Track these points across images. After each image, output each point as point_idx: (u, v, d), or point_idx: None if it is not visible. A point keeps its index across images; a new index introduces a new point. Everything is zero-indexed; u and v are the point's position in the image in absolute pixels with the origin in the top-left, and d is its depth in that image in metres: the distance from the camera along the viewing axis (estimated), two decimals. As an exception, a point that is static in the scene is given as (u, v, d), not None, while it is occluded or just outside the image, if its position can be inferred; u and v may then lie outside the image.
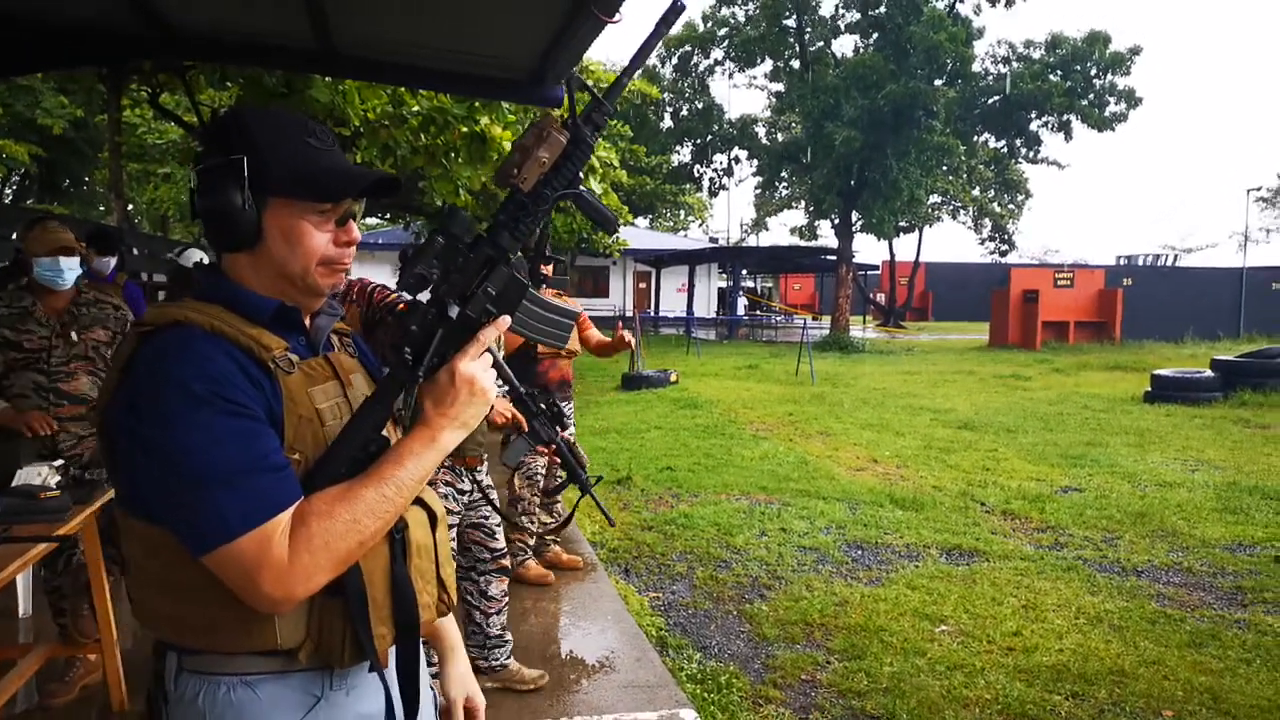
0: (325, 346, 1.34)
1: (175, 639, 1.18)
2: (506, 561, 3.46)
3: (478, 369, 1.21)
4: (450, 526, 3.04)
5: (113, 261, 5.21)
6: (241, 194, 1.18)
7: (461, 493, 3.26)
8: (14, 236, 3.56)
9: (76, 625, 3.46)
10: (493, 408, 2.99)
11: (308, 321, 1.32)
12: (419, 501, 1.31)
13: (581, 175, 1.25)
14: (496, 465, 2.83)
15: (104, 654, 3.22)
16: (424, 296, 1.23)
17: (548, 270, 4.83)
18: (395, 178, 1.30)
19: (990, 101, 27.52)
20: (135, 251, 9.26)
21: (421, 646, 1.40)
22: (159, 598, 1.17)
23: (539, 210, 1.22)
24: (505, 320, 1.25)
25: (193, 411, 1.07)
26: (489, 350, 1.25)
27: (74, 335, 3.45)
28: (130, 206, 19.87)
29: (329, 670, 1.21)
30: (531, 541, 4.77)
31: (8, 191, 23.19)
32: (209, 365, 1.11)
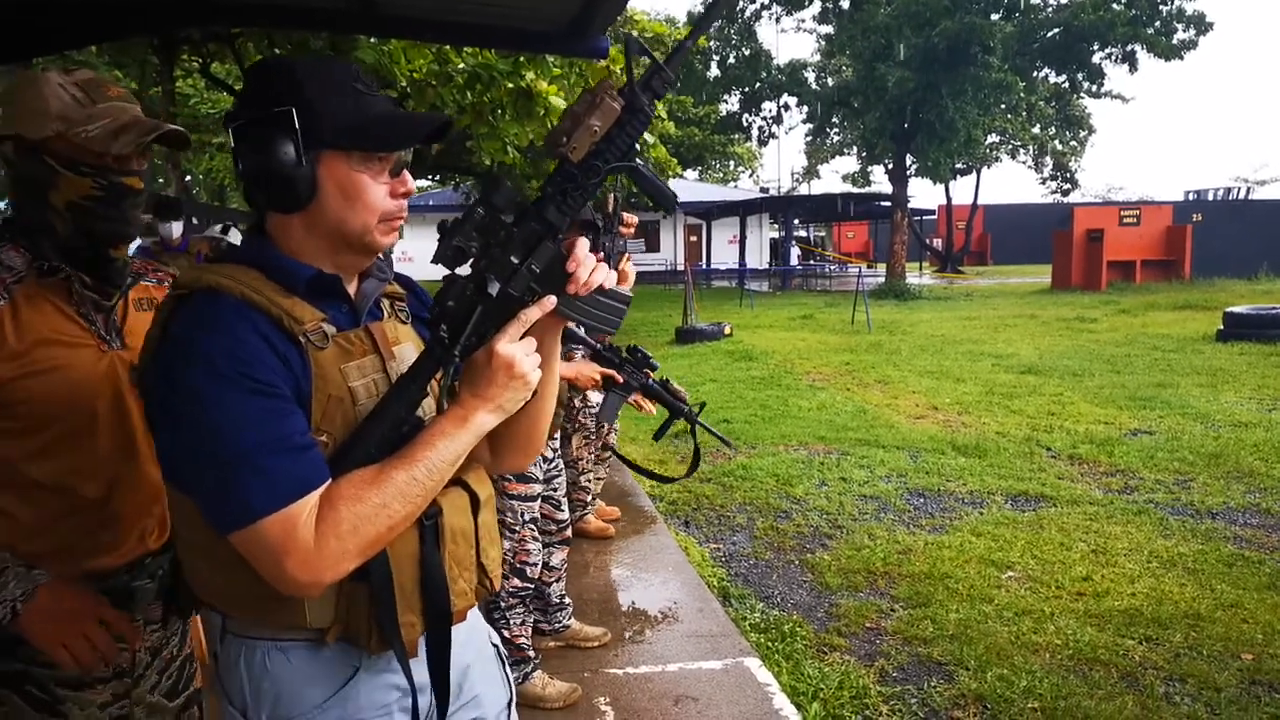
0: (373, 314, 1.27)
1: (218, 604, 1.19)
2: (569, 533, 3.50)
3: (518, 351, 1.14)
4: (534, 498, 3.06)
5: (178, 226, 5.32)
6: (295, 149, 1.11)
7: (547, 460, 3.28)
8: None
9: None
10: (578, 375, 2.97)
11: (353, 287, 1.25)
12: (462, 483, 1.24)
13: (637, 146, 1.16)
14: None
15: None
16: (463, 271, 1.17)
17: (629, 228, 4.29)
18: (449, 119, 1.25)
19: (1050, 34, 26.46)
20: (195, 221, 9.44)
21: (473, 612, 1.38)
22: (200, 563, 1.17)
23: (589, 183, 1.13)
24: (550, 301, 1.16)
25: (220, 391, 1.04)
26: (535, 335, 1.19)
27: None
28: (188, 177, 20.24)
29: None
30: (589, 498, 4.79)
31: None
32: (237, 344, 1.07)
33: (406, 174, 1.22)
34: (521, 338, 1.16)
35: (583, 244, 1.17)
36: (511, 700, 1.44)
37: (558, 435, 3.40)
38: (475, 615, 1.41)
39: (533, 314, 1.16)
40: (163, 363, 1.09)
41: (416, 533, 1.16)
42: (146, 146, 1.49)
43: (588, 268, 1.16)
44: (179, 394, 1.06)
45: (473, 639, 1.38)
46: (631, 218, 4.09)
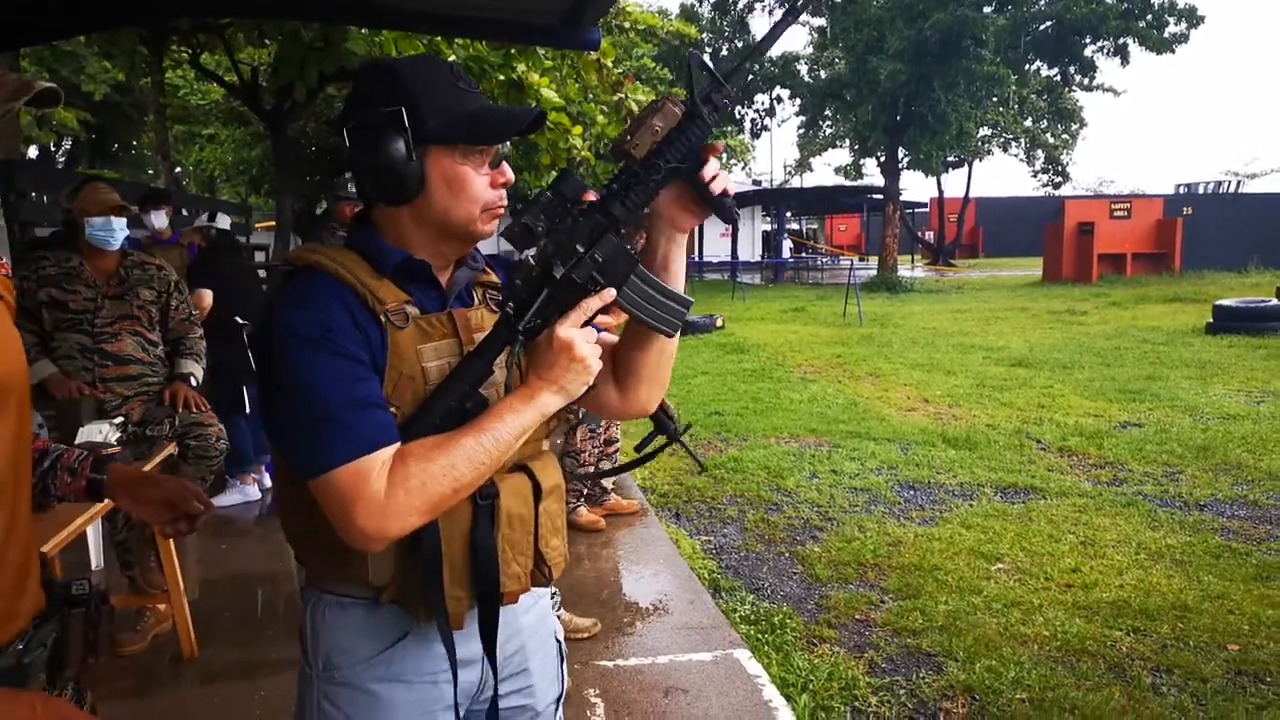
0: (463, 300, 1.33)
1: (301, 554, 1.31)
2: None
3: (576, 336, 1.19)
4: None
5: (165, 215, 5.29)
6: (406, 146, 1.18)
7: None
8: (61, 200, 3.60)
9: (145, 577, 3.57)
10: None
11: (446, 275, 1.31)
12: (526, 470, 1.30)
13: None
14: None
15: (172, 604, 3.33)
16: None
17: None
18: (543, 111, 1.31)
19: (1042, 27, 26.47)
20: (184, 213, 9.38)
21: (541, 595, 1.46)
22: (289, 516, 1.29)
23: (651, 180, 1.18)
24: (610, 293, 1.21)
25: (305, 354, 1.14)
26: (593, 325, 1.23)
27: (124, 296, 3.50)
28: (178, 169, 20.15)
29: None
30: (584, 491, 4.79)
31: (60, 158, 23.63)
32: (322, 312, 1.17)
33: (505, 165, 1.29)
34: (584, 325, 1.20)
35: (714, 163, 1.21)
36: (561, 697, 1.48)
37: (562, 426, 3.40)
38: (546, 606, 1.48)
39: (593, 303, 1.20)
40: (264, 329, 1.19)
41: (470, 511, 1.22)
42: (15, 112, 1.45)
43: (715, 166, 1.22)
44: (274, 357, 1.16)
45: (539, 628, 1.44)
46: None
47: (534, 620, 1.42)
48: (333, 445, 1.11)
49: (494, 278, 1.40)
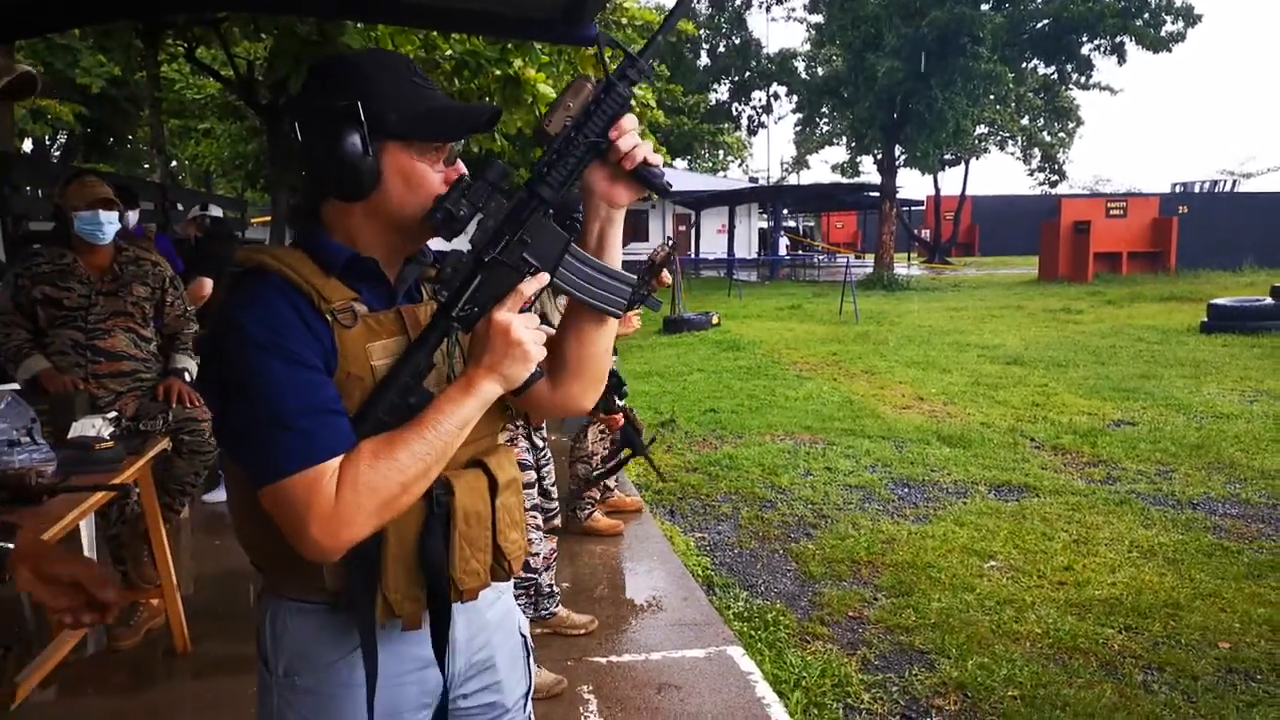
0: (412, 297, 1.32)
1: (257, 561, 1.29)
2: (558, 521, 3.50)
3: (514, 320, 1.17)
4: (531, 486, 3.06)
5: (135, 216, 5.28)
6: (363, 140, 1.16)
7: (536, 449, 3.29)
8: (54, 194, 3.60)
9: (138, 571, 3.56)
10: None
11: (395, 271, 1.30)
12: (482, 465, 1.29)
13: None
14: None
15: (165, 599, 3.32)
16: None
17: (660, 283, 3.96)
18: (498, 109, 1.30)
19: (1039, 25, 26.46)
20: (179, 207, 9.36)
21: (505, 590, 1.45)
22: (244, 522, 1.26)
23: (570, 158, 1.17)
24: (544, 276, 1.20)
25: (256, 358, 1.12)
26: (538, 312, 1.21)
27: (118, 293, 3.50)
28: (173, 163, 20.09)
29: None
30: (599, 495, 4.78)
31: (55, 152, 23.55)
32: (271, 314, 1.14)
33: (460, 163, 1.27)
34: (522, 311, 1.19)
35: (629, 119, 1.18)
36: (529, 692, 1.48)
37: (542, 426, 3.40)
38: (510, 601, 1.47)
39: (530, 287, 1.19)
40: (214, 338, 1.18)
41: (423, 510, 1.21)
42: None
43: (630, 139, 1.18)
44: (225, 362, 1.14)
45: (505, 623, 1.44)
46: (666, 277, 4.03)
47: (498, 616, 1.42)
48: (285, 453, 1.09)
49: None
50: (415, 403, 1.17)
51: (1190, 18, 24.98)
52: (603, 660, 3.34)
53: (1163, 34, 25.16)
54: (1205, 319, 12.48)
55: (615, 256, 1.27)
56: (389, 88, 1.19)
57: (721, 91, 31.44)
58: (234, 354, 1.13)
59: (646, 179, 1.21)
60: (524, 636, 1.49)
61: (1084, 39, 26.54)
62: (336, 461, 1.11)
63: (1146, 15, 25.09)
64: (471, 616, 1.34)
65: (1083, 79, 28.50)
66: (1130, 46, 25.98)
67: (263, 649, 1.30)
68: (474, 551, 1.27)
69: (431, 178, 1.22)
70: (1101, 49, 26.83)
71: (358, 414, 1.17)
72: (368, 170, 1.18)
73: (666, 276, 3.94)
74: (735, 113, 31.98)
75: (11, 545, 1.33)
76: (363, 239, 1.24)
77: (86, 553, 4.21)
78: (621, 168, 1.19)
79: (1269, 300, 12.45)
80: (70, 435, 2.88)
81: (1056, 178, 33.38)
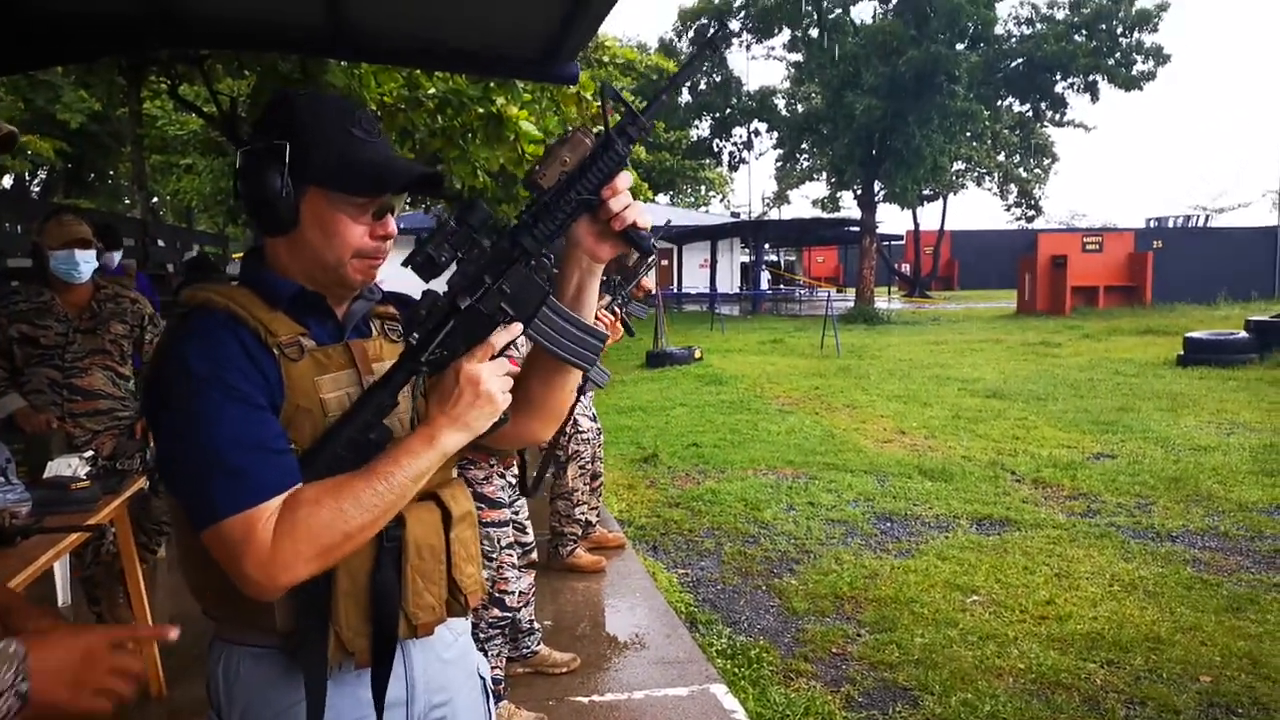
0: (360, 331, 1.32)
1: (204, 605, 1.27)
2: (535, 556, 3.47)
3: (485, 372, 1.15)
4: (506, 524, 3.04)
5: (118, 256, 5.27)
6: (281, 180, 1.18)
7: (511, 485, 3.27)
8: (33, 231, 3.59)
9: (112, 613, 3.51)
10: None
11: (343, 307, 1.30)
12: (436, 499, 1.28)
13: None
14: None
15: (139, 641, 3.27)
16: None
17: (641, 290, 3.90)
18: (437, 174, 1.29)
19: (1014, 64, 27.00)
20: (160, 243, 9.33)
21: (463, 631, 1.42)
22: (191, 565, 1.23)
23: (560, 213, 1.16)
24: (518, 327, 1.18)
25: (194, 394, 1.11)
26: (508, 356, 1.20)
27: (96, 330, 3.48)
28: (154, 199, 20.04)
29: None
30: (580, 532, 4.74)
31: (35, 188, 23.46)
32: (213, 347, 1.14)
33: (390, 218, 1.26)
34: (493, 358, 1.17)
35: (624, 178, 1.17)
36: None
37: (514, 466, 3.37)
38: (468, 643, 1.44)
39: (501, 338, 1.17)
40: (154, 371, 1.18)
41: (374, 548, 1.19)
42: None
43: (623, 199, 1.18)
44: (165, 399, 1.14)
45: (463, 663, 1.40)
46: (648, 283, 4.00)
47: (456, 656, 1.39)
48: (222, 493, 1.08)
49: (391, 310, 1.39)
50: (375, 439, 1.16)
51: (1160, 57, 25.63)
52: (585, 700, 3.30)
53: (1134, 73, 25.81)
54: (1181, 352, 12.62)
55: (590, 309, 1.26)
56: (318, 134, 1.20)
57: (703, 128, 31.79)
58: (173, 386, 1.13)
59: (634, 240, 1.21)
60: (483, 679, 1.46)
61: (1057, 78, 27.17)
62: (276, 501, 1.09)
63: (1118, 55, 25.73)
64: (429, 657, 1.32)
65: (1057, 116, 29.13)
66: (1103, 85, 26.62)
67: (215, 699, 1.27)
68: (427, 585, 1.26)
69: (351, 229, 1.22)
70: (1075, 87, 27.46)
71: (312, 447, 1.16)
72: (285, 208, 1.19)
73: (648, 282, 3.93)
74: (716, 149, 32.33)
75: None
76: (293, 273, 1.25)
77: (60, 594, 4.15)
78: (610, 226, 1.19)
79: (1243, 334, 12.62)
80: (46, 475, 2.85)
81: (1033, 213, 33.91)
